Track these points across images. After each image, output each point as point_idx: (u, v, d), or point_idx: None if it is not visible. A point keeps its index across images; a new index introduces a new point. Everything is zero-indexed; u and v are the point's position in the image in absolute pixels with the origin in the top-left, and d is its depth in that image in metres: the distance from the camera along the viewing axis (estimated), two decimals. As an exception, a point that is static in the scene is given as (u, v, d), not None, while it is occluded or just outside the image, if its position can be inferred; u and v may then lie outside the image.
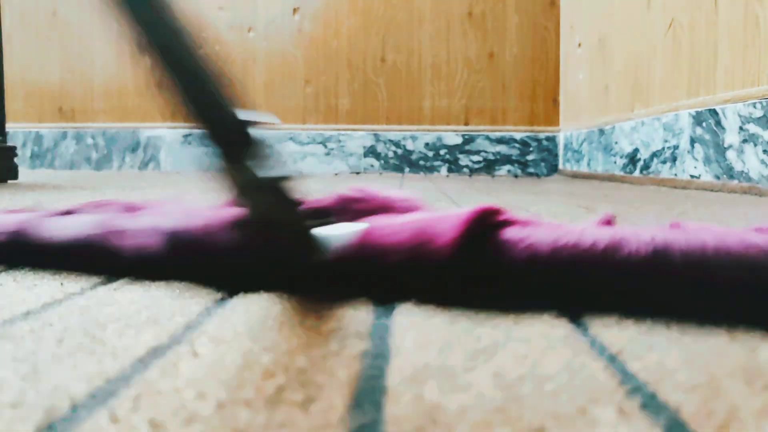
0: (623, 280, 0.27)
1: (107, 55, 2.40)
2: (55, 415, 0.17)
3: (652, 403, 0.18)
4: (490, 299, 0.28)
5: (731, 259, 0.26)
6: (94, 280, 0.34)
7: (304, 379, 0.19)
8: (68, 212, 0.42)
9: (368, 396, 0.18)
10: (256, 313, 0.27)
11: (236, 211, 0.31)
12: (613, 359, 0.21)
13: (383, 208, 0.36)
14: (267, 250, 0.31)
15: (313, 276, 0.30)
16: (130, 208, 0.42)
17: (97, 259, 0.35)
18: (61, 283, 0.33)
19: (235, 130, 0.29)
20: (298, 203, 0.29)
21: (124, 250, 0.34)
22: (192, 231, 0.33)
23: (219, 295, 0.31)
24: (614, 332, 0.24)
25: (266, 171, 0.28)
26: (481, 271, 0.28)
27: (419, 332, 0.24)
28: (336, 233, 0.30)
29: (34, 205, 0.47)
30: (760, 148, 1.11)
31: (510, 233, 0.29)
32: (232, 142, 0.29)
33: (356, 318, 0.26)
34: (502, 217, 0.30)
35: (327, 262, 0.30)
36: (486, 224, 0.29)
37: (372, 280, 0.29)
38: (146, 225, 0.34)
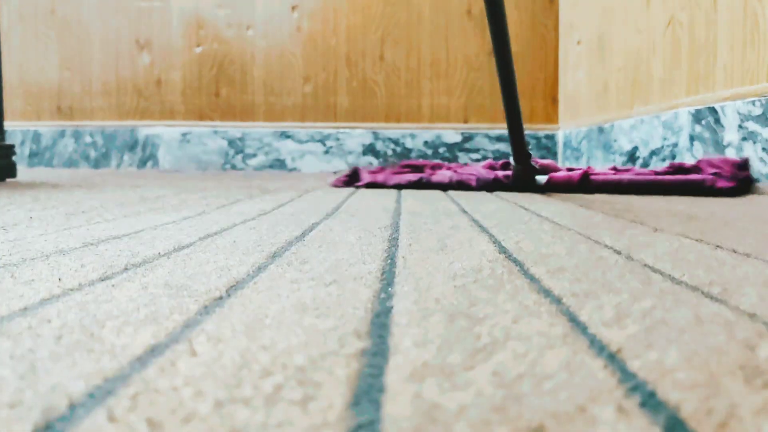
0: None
1: (106, 53, 2.39)
2: (53, 415, 0.17)
3: (651, 402, 0.17)
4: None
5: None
6: (92, 276, 0.34)
7: (302, 377, 0.19)
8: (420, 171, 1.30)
9: (367, 395, 0.18)
10: (254, 311, 0.27)
11: (502, 169, 1.22)
12: (612, 357, 0.21)
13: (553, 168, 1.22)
14: (518, 182, 1.11)
15: (533, 190, 1.08)
16: (451, 168, 1.31)
17: (459, 187, 1.16)
18: (59, 279, 0.33)
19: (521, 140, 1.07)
20: (533, 166, 1.10)
21: (469, 184, 1.16)
22: (485, 175, 1.16)
23: (217, 294, 0.31)
24: (614, 330, 0.24)
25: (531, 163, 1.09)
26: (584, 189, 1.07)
27: (418, 331, 0.24)
28: (541, 178, 1.11)
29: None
30: (759, 146, 1.11)
31: (594, 174, 1.10)
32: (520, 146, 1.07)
33: (355, 316, 0.26)
34: (594, 174, 1.12)
35: (539, 186, 1.10)
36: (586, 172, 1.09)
37: (554, 191, 1.07)
38: (469, 173, 1.19)
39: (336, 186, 1.26)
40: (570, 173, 1.10)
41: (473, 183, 1.15)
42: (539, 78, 2.31)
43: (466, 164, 1.61)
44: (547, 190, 1.09)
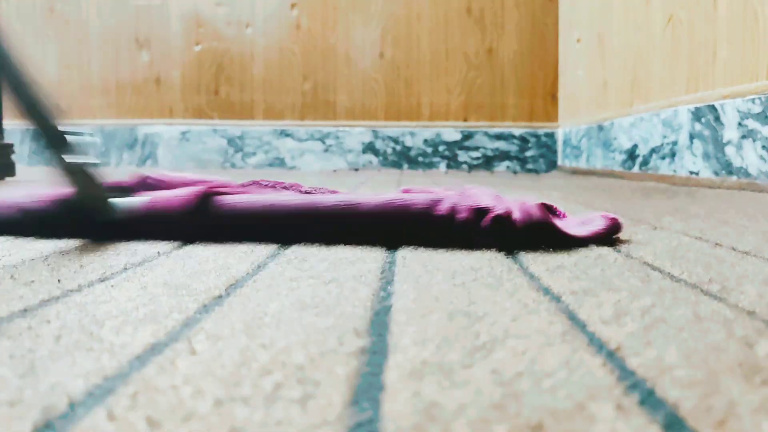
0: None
1: (105, 51, 2.39)
2: (53, 414, 0.17)
3: (650, 399, 0.17)
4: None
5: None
6: (91, 276, 0.34)
7: (301, 376, 0.19)
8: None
9: (366, 393, 0.18)
10: (253, 310, 0.27)
11: (62, 190, 0.49)
12: (611, 355, 0.21)
13: (172, 185, 0.55)
14: (76, 211, 0.49)
15: (106, 227, 0.49)
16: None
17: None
18: (58, 280, 0.33)
19: (54, 133, 0.46)
20: (101, 183, 0.48)
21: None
22: (33, 203, 0.51)
23: (217, 292, 0.31)
24: (613, 328, 0.24)
25: (76, 160, 0.46)
26: (202, 219, 0.48)
27: (417, 329, 0.24)
28: (125, 201, 0.49)
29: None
30: (759, 144, 1.11)
31: (222, 198, 0.49)
32: (53, 142, 0.45)
33: (354, 314, 0.26)
34: (219, 189, 0.50)
35: (116, 218, 0.49)
36: (210, 193, 0.49)
37: (142, 229, 0.49)
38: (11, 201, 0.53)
39: None
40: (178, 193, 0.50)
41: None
42: (539, 76, 2.31)
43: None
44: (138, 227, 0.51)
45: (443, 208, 0.46)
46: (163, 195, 0.50)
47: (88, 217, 0.49)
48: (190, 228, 0.49)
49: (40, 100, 0.49)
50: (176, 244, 0.46)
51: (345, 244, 0.46)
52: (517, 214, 0.45)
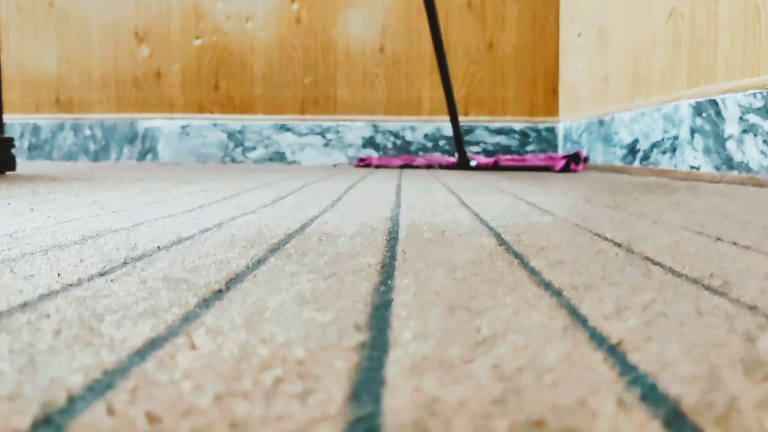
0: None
1: (104, 45, 2.39)
2: (53, 408, 0.16)
3: (651, 395, 0.17)
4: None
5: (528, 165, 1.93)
6: (91, 270, 0.34)
7: (302, 370, 0.19)
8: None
9: (367, 388, 0.18)
10: (253, 305, 0.27)
11: (450, 157, 2.12)
12: (612, 350, 0.21)
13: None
14: (460, 165, 1.93)
15: (468, 168, 1.89)
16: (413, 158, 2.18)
17: (429, 167, 2.02)
18: (58, 274, 0.33)
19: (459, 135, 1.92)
20: (466, 154, 1.94)
21: (434, 166, 2.02)
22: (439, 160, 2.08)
23: (217, 287, 0.31)
24: (614, 323, 0.24)
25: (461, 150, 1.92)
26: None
27: (418, 323, 0.24)
28: (474, 161, 1.94)
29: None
30: (760, 139, 1.11)
31: (501, 160, 1.96)
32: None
33: (355, 309, 0.26)
34: (499, 159, 1.97)
35: (472, 167, 1.91)
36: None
37: (479, 170, 1.89)
38: (435, 159, 2.10)
39: (357, 166, 2.09)
40: (488, 159, 1.95)
41: (436, 165, 1.99)
42: (539, 70, 2.30)
43: (431, 154, 2.36)
44: (476, 169, 1.86)
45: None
46: (482, 161, 1.97)
47: (464, 166, 1.90)
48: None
49: None
50: (174, 238, 0.46)
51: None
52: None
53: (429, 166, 2.00)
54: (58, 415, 0.16)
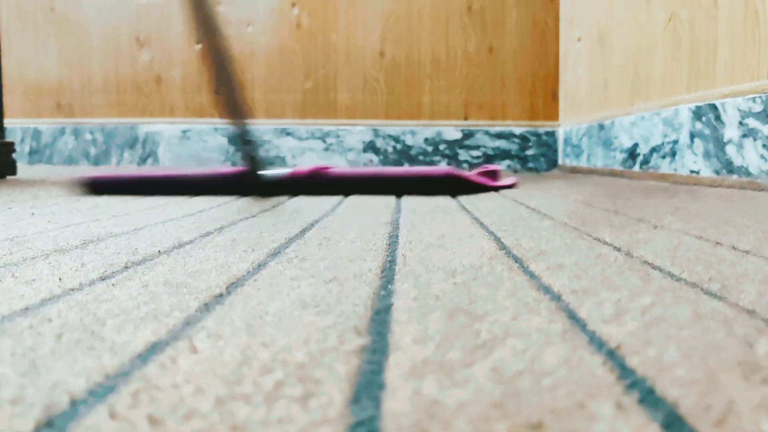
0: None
1: (105, 50, 2.39)
2: (55, 412, 0.17)
3: (650, 398, 0.18)
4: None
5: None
6: (92, 275, 0.34)
7: (302, 374, 0.19)
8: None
9: (367, 391, 0.18)
10: (254, 309, 0.27)
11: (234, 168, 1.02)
12: (611, 354, 0.21)
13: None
14: (245, 180, 0.89)
15: (261, 189, 0.90)
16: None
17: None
18: (60, 278, 0.33)
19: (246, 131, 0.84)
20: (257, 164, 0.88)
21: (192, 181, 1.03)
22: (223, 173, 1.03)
23: (218, 291, 0.31)
24: (613, 327, 0.25)
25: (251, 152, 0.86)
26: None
27: (418, 327, 0.24)
28: (272, 173, 0.93)
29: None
30: (759, 143, 1.11)
31: (330, 171, 1.01)
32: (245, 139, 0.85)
33: (355, 313, 0.26)
34: (327, 168, 1.01)
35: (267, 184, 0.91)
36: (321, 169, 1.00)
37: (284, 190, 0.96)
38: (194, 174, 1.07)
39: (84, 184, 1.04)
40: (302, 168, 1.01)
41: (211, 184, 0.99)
42: (539, 74, 2.31)
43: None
44: (281, 189, 0.96)
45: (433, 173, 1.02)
46: (293, 170, 0.99)
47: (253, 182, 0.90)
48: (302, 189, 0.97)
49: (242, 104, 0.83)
50: (175, 242, 0.46)
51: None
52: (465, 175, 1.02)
53: (195, 187, 1.00)
54: (61, 418, 0.16)
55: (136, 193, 0.99)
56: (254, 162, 0.89)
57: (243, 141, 0.87)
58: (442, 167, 1.14)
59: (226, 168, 1.25)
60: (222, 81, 0.86)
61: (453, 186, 0.99)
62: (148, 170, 1.33)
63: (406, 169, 1.14)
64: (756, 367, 0.20)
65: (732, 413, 0.17)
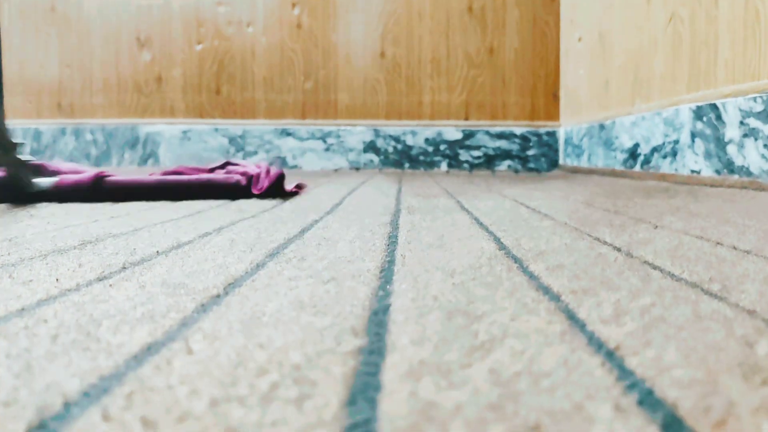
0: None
1: (106, 50, 2.39)
2: (48, 414, 0.16)
3: (649, 399, 0.17)
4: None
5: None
6: (89, 275, 0.34)
7: (298, 375, 0.19)
8: None
9: (363, 393, 0.18)
10: (251, 310, 0.27)
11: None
12: (610, 355, 0.21)
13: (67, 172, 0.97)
14: (9, 185, 0.83)
15: (28, 196, 0.85)
16: None
17: None
18: (57, 279, 0.33)
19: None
20: (30, 170, 0.85)
21: None
22: None
23: (215, 292, 0.30)
24: (612, 328, 0.24)
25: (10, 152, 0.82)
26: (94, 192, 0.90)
27: (416, 328, 0.24)
28: (42, 181, 0.87)
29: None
30: (760, 143, 1.11)
31: (112, 179, 0.91)
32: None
33: (353, 314, 0.26)
34: (108, 176, 0.90)
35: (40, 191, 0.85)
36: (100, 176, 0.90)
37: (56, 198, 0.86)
38: None
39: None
40: (80, 176, 0.91)
41: None
42: (540, 74, 2.31)
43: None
44: (51, 197, 0.87)
45: (232, 179, 0.96)
46: (67, 177, 0.91)
47: (18, 189, 0.85)
48: (83, 196, 0.88)
49: None
50: (173, 243, 0.46)
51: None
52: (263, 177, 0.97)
53: None
54: (53, 420, 0.16)
55: None
56: (19, 168, 0.83)
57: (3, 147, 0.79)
58: (224, 176, 0.97)
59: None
60: None
61: (231, 192, 0.93)
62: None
63: (186, 177, 0.96)
64: (756, 368, 0.20)
65: (732, 415, 0.16)
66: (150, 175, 1.02)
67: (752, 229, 0.54)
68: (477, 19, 2.30)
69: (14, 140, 0.82)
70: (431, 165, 2.31)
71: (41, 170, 0.93)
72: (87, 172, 0.96)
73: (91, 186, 0.88)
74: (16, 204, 0.81)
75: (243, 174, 0.99)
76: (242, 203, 0.83)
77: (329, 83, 2.34)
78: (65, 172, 0.97)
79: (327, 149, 2.34)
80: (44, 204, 0.82)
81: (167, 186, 0.93)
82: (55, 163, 1.00)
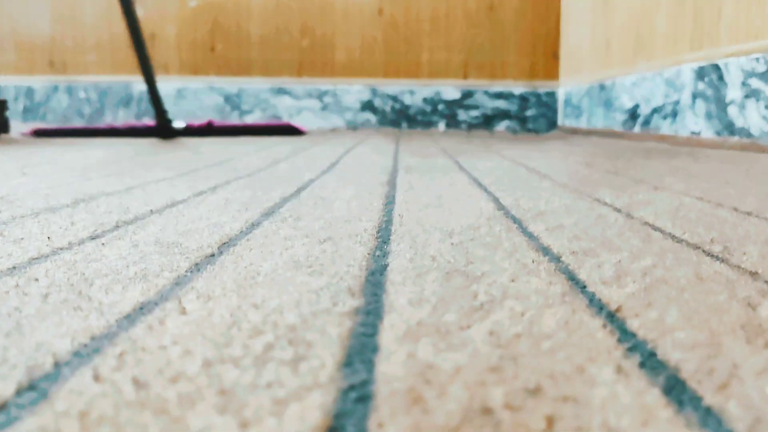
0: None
1: (98, 6, 2.34)
2: (38, 374, 0.16)
3: (651, 362, 0.17)
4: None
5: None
6: (82, 234, 0.34)
7: (293, 336, 0.19)
8: None
9: (360, 354, 0.17)
10: (245, 270, 0.27)
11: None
12: (611, 317, 0.21)
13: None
14: (158, 129, 1.57)
15: (173, 135, 1.59)
16: None
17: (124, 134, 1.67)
18: (48, 237, 0.33)
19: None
20: (166, 116, 1.58)
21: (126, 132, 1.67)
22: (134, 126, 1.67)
23: (209, 251, 0.30)
24: (613, 289, 0.24)
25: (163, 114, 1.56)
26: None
27: (414, 289, 0.24)
28: (179, 125, 1.63)
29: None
30: (762, 104, 1.10)
31: (216, 125, 1.75)
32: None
33: (349, 274, 0.26)
34: (215, 122, 1.79)
35: (178, 131, 1.62)
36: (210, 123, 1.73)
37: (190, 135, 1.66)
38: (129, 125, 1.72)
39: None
40: (200, 122, 1.72)
41: (128, 133, 1.61)
42: (540, 33, 2.27)
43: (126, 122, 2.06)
44: (184, 134, 1.63)
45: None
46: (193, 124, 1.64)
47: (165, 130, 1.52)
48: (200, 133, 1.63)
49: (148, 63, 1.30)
50: (167, 201, 0.46)
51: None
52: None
53: (116, 133, 1.61)
54: (43, 381, 0.16)
55: (72, 136, 1.59)
56: (162, 115, 1.51)
57: (155, 97, 1.43)
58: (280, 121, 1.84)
59: (144, 123, 1.76)
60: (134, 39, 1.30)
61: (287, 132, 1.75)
62: (85, 125, 1.78)
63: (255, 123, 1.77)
64: (759, 330, 0.20)
65: (735, 378, 0.16)
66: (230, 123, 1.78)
67: (753, 190, 0.54)
68: (477, -25, 2.25)
69: (164, 108, 1.48)
70: (429, 125, 2.29)
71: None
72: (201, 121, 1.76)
73: (206, 127, 1.65)
74: (164, 139, 1.44)
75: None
76: (236, 163, 0.83)
77: (326, 41, 2.30)
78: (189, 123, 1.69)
79: (323, 108, 2.31)
80: (39, 162, 0.81)
81: (244, 128, 1.71)
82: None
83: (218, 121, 1.83)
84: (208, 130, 1.65)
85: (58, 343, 0.18)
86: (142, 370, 0.16)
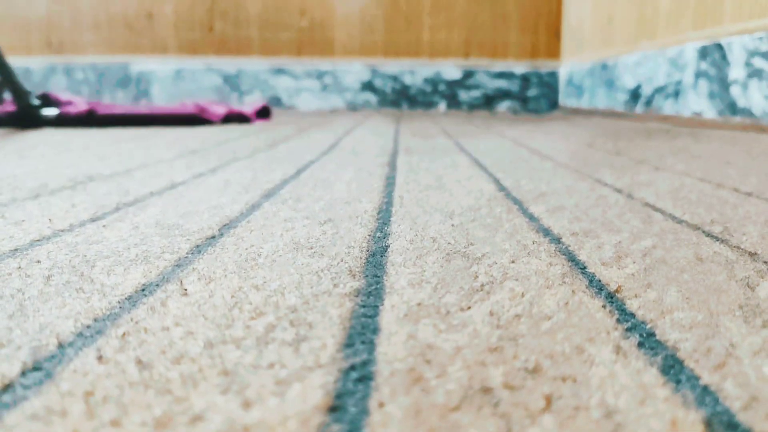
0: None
1: (95, -15, 2.31)
2: (42, 355, 0.16)
3: (649, 341, 0.17)
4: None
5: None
6: (82, 216, 0.34)
7: (294, 317, 0.19)
8: None
9: (361, 335, 0.17)
10: (246, 251, 0.27)
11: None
12: (611, 297, 0.21)
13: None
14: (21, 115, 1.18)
15: (40, 124, 1.21)
16: None
17: None
18: (49, 219, 0.33)
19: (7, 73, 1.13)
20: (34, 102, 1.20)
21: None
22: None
23: (210, 233, 0.30)
24: (613, 270, 0.24)
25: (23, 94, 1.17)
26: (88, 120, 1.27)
27: (414, 270, 0.24)
28: (49, 112, 1.21)
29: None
30: (765, 84, 1.09)
31: (99, 110, 1.30)
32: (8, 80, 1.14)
33: (350, 255, 0.26)
34: (96, 107, 1.33)
35: (48, 119, 1.21)
36: (92, 109, 1.30)
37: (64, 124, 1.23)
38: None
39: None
40: (78, 109, 1.27)
41: None
42: (542, 11, 2.25)
43: None
44: (57, 123, 1.23)
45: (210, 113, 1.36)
46: (68, 110, 1.20)
47: (28, 118, 1.13)
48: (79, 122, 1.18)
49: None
50: (167, 183, 0.46)
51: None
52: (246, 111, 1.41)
53: None
54: (48, 361, 0.16)
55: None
56: (22, 98, 1.17)
57: (9, 78, 1.12)
58: (188, 107, 1.41)
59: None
60: None
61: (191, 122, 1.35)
62: None
63: (182, 105, 1.43)
64: (757, 310, 0.20)
65: (732, 357, 0.16)
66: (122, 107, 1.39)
67: (754, 171, 0.54)
68: (478, -48, 2.23)
69: (25, 89, 1.13)
70: (430, 105, 2.28)
71: (47, 98, 1.28)
72: (81, 104, 1.32)
73: (86, 116, 1.24)
74: (24, 129, 1.09)
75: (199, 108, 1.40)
76: (235, 144, 0.82)
77: (326, 20, 2.28)
78: (64, 103, 1.32)
79: (323, 89, 2.30)
80: (36, 144, 0.81)
81: (140, 116, 1.30)
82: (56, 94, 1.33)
83: (108, 105, 1.38)
84: (89, 118, 1.24)
85: (61, 325, 0.18)
86: (145, 350, 0.16)
